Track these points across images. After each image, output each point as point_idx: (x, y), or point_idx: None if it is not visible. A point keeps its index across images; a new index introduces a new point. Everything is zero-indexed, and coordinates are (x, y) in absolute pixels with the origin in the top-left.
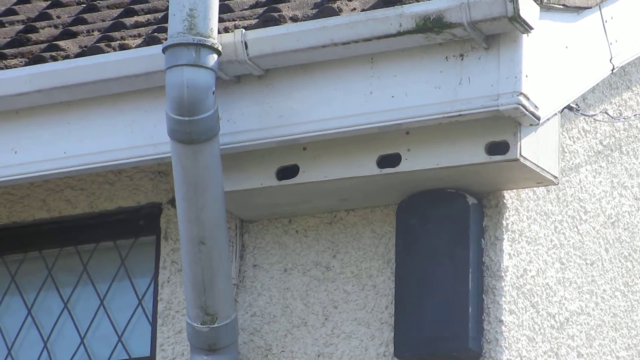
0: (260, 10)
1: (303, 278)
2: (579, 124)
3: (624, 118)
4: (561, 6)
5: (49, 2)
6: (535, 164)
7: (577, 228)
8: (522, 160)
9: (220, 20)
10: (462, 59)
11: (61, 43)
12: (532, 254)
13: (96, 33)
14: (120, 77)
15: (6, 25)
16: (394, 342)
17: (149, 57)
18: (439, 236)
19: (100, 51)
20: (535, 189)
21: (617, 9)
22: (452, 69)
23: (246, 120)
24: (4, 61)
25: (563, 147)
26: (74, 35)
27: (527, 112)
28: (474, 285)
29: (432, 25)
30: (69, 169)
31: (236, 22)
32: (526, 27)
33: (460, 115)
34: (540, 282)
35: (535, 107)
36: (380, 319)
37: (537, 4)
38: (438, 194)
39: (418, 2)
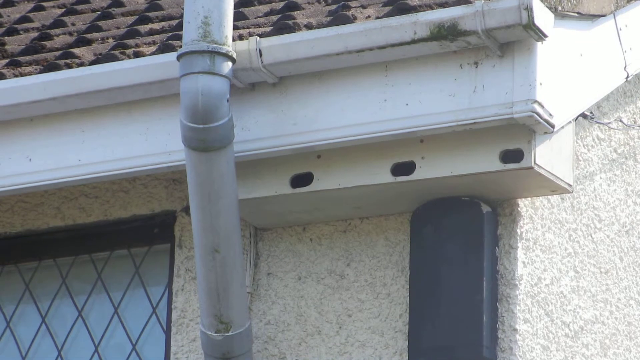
0: (274, 18)
1: (317, 286)
2: (593, 132)
3: (639, 126)
4: (576, 14)
5: (63, 10)
6: (549, 172)
7: (591, 236)
8: (536, 168)
9: (235, 27)
10: (476, 67)
11: (76, 50)
12: (546, 262)
13: (111, 40)
14: (135, 84)
15: (21, 32)
16: (408, 350)
17: (163, 65)
18: (453, 244)
19: (114, 59)
20: (549, 197)
21: (631, 16)
22: (466, 76)
23: (260, 128)
24: (19, 68)
25: (577, 155)
26: (88, 42)
27: (541, 120)
28: (488, 293)
29: (447, 32)
30: (83, 177)
31: (251, 29)
32: (541, 35)
33: (474, 123)
34: (554, 291)
35: (550, 115)
36: (394, 327)
37: (552, 12)
38: (452, 202)
39: (432, 9)
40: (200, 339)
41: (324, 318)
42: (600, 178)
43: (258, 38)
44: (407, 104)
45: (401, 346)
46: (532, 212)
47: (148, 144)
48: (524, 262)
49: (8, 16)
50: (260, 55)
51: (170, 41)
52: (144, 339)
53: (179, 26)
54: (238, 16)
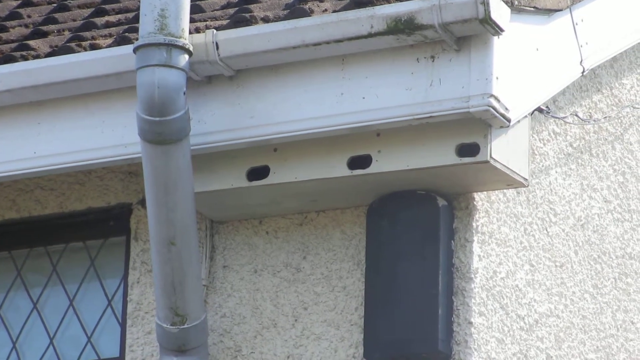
0: (231, 11)
1: (273, 279)
2: (549, 126)
3: (594, 120)
4: (532, 8)
5: (19, 2)
6: (505, 165)
7: (546, 230)
8: (492, 162)
9: (192, 20)
10: (433, 61)
11: (32, 42)
12: (501, 256)
13: (67, 33)
14: (91, 77)
15: None
16: (364, 343)
17: (119, 57)
18: (409, 238)
19: (71, 51)
20: (505, 191)
21: (587, 11)
22: (423, 70)
23: (217, 121)
24: None
25: (533, 149)
26: (44, 34)
27: (497, 114)
28: (444, 287)
29: (404, 26)
30: (39, 169)
31: (207, 22)
32: (497, 29)
33: (431, 117)
34: (509, 284)
35: (506, 109)
36: (350, 320)
37: (508, 6)
38: (408, 196)
39: (389, 3)
40: (155, 332)
41: (279, 311)
42: (556, 172)
43: (215, 31)
44: (363, 98)
45: (357, 339)
46: (487, 205)
47: (104, 136)
48: (479, 256)
49: None
50: (217, 48)
51: (126, 34)
52: (99, 332)
53: (136, 19)
54: (195, 9)
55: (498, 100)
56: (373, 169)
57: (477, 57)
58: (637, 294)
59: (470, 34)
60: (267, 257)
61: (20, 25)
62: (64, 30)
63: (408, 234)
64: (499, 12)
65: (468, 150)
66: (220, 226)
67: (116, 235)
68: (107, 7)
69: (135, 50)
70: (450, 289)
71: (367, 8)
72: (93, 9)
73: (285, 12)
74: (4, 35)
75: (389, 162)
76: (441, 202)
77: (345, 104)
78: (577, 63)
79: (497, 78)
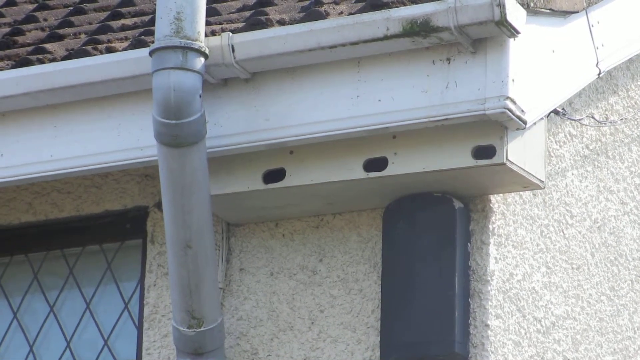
0: (247, 14)
1: (289, 282)
2: (565, 128)
3: (610, 122)
4: (548, 10)
5: (35, 5)
6: (521, 168)
7: (563, 232)
8: (508, 164)
9: (207, 23)
10: (449, 63)
11: (48, 46)
12: (518, 258)
13: (83, 36)
14: (107, 80)
15: None
16: (380, 346)
17: (135, 60)
18: (425, 240)
19: (87, 54)
20: (521, 193)
21: (603, 13)
22: (439, 72)
23: (233, 124)
24: None
25: (549, 151)
26: (60, 38)
27: (513, 116)
28: (460, 289)
29: (419, 29)
30: (55, 172)
31: (223, 25)
32: (513, 32)
33: (446, 119)
34: (526, 287)
35: (522, 111)
36: (367, 323)
37: (524, 8)
38: (425, 198)
39: (405, 5)
40: (172, 335)
41: (296, 314)
42: (572, 174)
43: (230, 34)
44: (379, 100)
45: (373, 342)
46: (504, 208)
47: (120, 139)
48: (495, 258)
49: None
50: (233, 51)
51: (142, 37)
52: (116, 335)
53: (152, 22)
54: (210, 12)
55: (514, 103)
56: (389, 171)
57: (493, 59)
58: None
59: (486, 36)
60: (283, 260)
61: (37, 29)
62: (80, 34)
63: (424, 236)
64: (515, 14)
65: (484, 152)
66: (236, 229)
67: (132, 238)
68: (123, 10)
69: (151, 53)
70: (466, 291)
71: (382, 10)
72: (109, 12)
73: (301, 14)
74: (21, 39)
75: (405, 165)
76: (457, 204)
77: (361, 106)
78: (593, 65)
79: (513, 80)
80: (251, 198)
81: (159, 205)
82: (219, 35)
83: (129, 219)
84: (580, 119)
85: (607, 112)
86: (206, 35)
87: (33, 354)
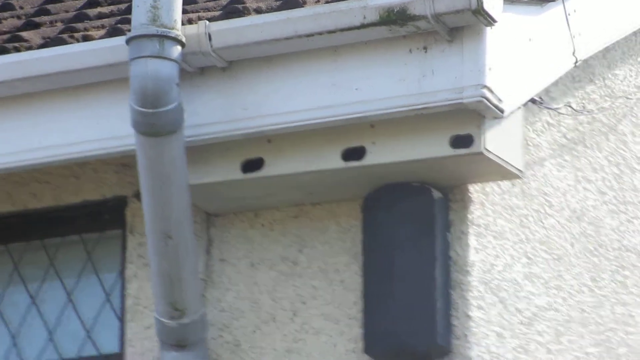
0: (223, 2)
1: (270, 273)
2: (542, 117)
3: (587, 111)
4: None
5: None
6: (499, 157)
7: (542, 222)
8: (486, 153)
9: (184, 11)
10: (425, 52)
11: (24, 34)
12: (498, 249)
13: (59, 24)
14: (84, 68)
15: None
16: (364, 338)
17: (112, 49)
18: (404, 230)
19: (63, 42)
20: (500, 182)
21: (580, 2)
22: (415, 61)
23: (210, 113)
24: None
25: (527, 140)
26: (37, 26)
27: (491, 105)
28: (441, 280)
29: (396, 17)
30: (33, 162)
31: (200, 13)
32: (490, 20)
33: (424, 108)
34: (507, 277)
35: (499, 100)
36: (349, 314)
37: None
38: (403, 188)
39: None
40: (155, 326)
41: (278, 305)
42: (550, 164)
43: (207, 22)
44: (356, 89)
45: (356, 333)
46: (483, 197)
47: (98, 128)
48: (476, 249)
49: None
50: (210, 39)
51: (119, 25)
52: (98, 326)
53: (128, 10)
54: (187, 0)
55: (491, 91)
56: (367, 160)
57: (470, 48)
58: (635, 287)
59: (463, 25)
60: (263, 251)
61: (13, 17)
62: (56, 22)
63: (404, 226)
64: (492, 2)
65: (462, 141)
66: (216, 219)
67: (112, 229)
68: None
69: (127, 41)
70: (447, 282)
71: None
72: (85, 0)
73: (278, 3)
74: None
75: (383, 154)
76: (436, 194)
77: (338, 95)
78: (570, 54)
79: (490, 69)
80: (230, 188)
81: (137, 195)
82: (196, 23)
83: (107, 209)
84: (557, 108)
85: (584, 101)
86: (183, 24)
87: (15, 345)
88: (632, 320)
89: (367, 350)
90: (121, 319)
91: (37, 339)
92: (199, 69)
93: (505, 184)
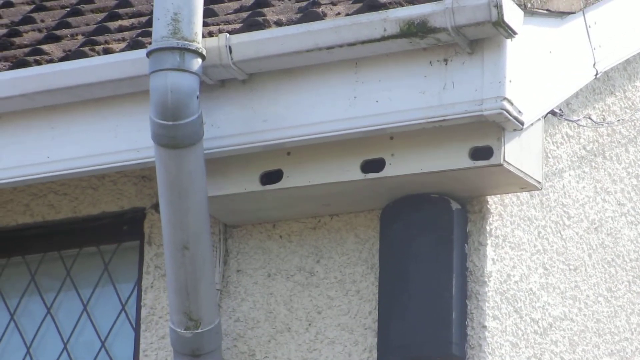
0: (244, 15)
1: (287, 283)
2: (562, 129)
3: (607, 123)
4: (545, 11)
5: (32, 6)
6: (518, 169)
7: (560, 233)
8: (505, 165)
9: (205, 24)
10: (446, 64)
11: (45, 47)
12: (515, 260)
13: (80, 37)
14: (104, 81)
15: None
16: (378, 347)
17: (132, 62)
18: (422, 241)
19: (84, 55)
20: (518, 194)
21: (600, 14)
22: (436, 73)
23: (230, 125)
24: None
25: (546, 152)
26: (57, 39)
27: (510, 117)
28: (458, 290)
29: (417, 29)
30: (52, 174)
31: (220, 26)
32: (510, 32)
33: (444, 120)
34: (523, 288)
35: (519, 112)
36: (364, 324)
37: (521, 9)
38: (422, 199)
39: (402, 6)
40: (169, 336)
41: (293, 315)
42: (569, 175)
43: (228, 35)
44: (377, 101)
45: (370, 343)
46: (501, 209)
47: (117, 140)
48: (493, 259)
49: None
50: (230, 52)
51: (139, 38)
52: (113, 336)
53: (149, 23)
54: (208, 13)
55: (511, 103)
56: (386, 172)
57: (490, 60)
58: None
59: (483, 37)
60: (280, 261)
61: (34, 30)
62: (77, 35)
63: (422, 238)
64: (512, 14)
65: (481, 153)
66: (233, 230)
67: (130, 240)
68: (120, 11)
69: (148, 54)
70: (464, 292)
71: (380, 11)
72: (106, 13)
73: (299, 15)
74: (18, 40)
75: (402, 166)
76: (455, 205)
77: (359, 107)
78: (590, 66)
79: (510, 81)
80: (248, 199)
81: (156, 207)
82: (216, 36)
83: (126, 221)
84: (577, 120)
85: (604, 113)
86: (203, 37)
87: (30, 355)
88: None
89: (381, 359)
90: (136, 329)
91: (52, 349)
92: (220, 81)
93: (524, 195)
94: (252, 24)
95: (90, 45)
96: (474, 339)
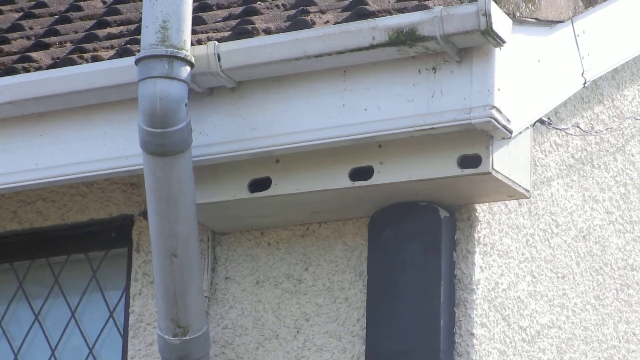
0: (233, 23)
1: (275, 291)
2: (550, 137)
3: (596, 132)
4: (534, 20)
5: (21, 14)
6: (507, 177)
7: (548, 241)
8: (494, 173)
9: (193, 32)
10: (434, 72)
11: (33, 54)
12: (503, 267)
13: (69, 44)
14: (93, 88)
15: None
16: (366, 355)
17: (121, 69)
18: (410, 249)
19: (72, 63)
20: (507, 202)
21: (589, 23)
22: (424, 82)
23: (219, 133)
24: None
25: (535, 160)
26: (46, 46)
27: (499, 126)
28: (446, 298)
29: (405, 38)
30: (41, 181)
31: (209, 34)
32: (499, 41)
33: (432, 128)
34: (511, 295)
35: (508, 120)
36: (352, 332)
37: (510, 17)
38: (410, 207)
39: (391, 15)
40: (157, 343)
41: (281, 322)
42: (558, 183)
43: (216, 43)
44: (365, 109)
45: (359, 350)
46: (489, 217)
47: (106, 148)
48: (481, 267)
49: None
50: (219, 59)
51: (128, 45)
52: (101, 343)
53: (138, 30)
54: (197, 21)
55: (500, 112)
56: (375, 180)
57: (479, 69)
58: (639, 306)
59: (472, 46)
60: (268, 269)
61: (22, 37)
62: (65, 42)
63: (410, 245)
64: (501, 23)
65: (470, 161)
66: (222, 237)
67: (118, 247)
68: (109, 18)
69: (136, 62)
70: (452, 300)
71: (369, 20)
72: (95, 20)
73: (287, 23)
74: (6, 47)
75: (390, 174)
76: (443, 213)
77: (347, 115)
78: (578, 74)
79: (498, 89)
80: (237, 207)
81: (144, 214)
82: (205, 44)
83: (114, 228)
84: (565, 129)
85: (592, 122)
86: (192, 44)
87: None
88: (634, 338)
89: None
90: (124, 336)
91: (40, 356)
92: (208, 89)
93: (512, 204)
94: (241, 32)
95: (78, 52)
96: (462, 346)
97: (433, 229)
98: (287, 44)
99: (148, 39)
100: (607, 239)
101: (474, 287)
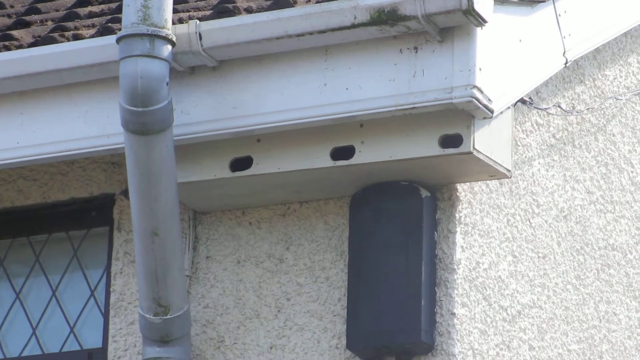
0: (214, 2)
1: (256, 270)
2: (532, 117)
3: (577, 112)
4: (515, 0)
5: None
6: (488, 157)
7: (529, 221)
8: (475, 153)
9: (175, 11)
10: (416, 52)
11: (14, 33)
12: (484, 247)
13: (50, 23)
14: (74, 67)
15: None
16: (347, 334)
17: (102, 48)
18: (392, 229)
19: (53, 41)
20: (488, 182)
21: (570, 2)
22: (406, 61)
23: (200, 112)
24: None
25: (516, 140)
26: (27, 25)
27: (480, 105)
28: (427, 277)
29: (387, 17)
30: (21, 159)
31: (190, 13)
32: (480, 21)
33: (414, 108)
34: (492, 275)
35: (489, 100)
36: (333, 311)
37: None
38: (391, 187)
39: None
40: (138, 322)
41: (262, 302)
42: (539, 163)
43: (198, 22)
44: (347, 89)
45: (339, 330)
46: (470, 197)
47: (87, 126)
48: (462, 247)
49: None
50: (200, 38)
51: (109, 24)
52: (82, 322)
53: (119, 9)
54: (178, 0)
55: (481, 92)
56: (356, 159)
57: (460, 48)
58: (620, 285)
59: (454, 25)
60: (250, 248)
61: (3, 16)
62: (47, 21)
63: (391, 225)
64: (483, 3)
65: (451, 141)
66: (203, 217)
67: (99, 226)
68: None
69: (118, 40)
70: (433, 280)
71: None
72: None
73: (269, 2)
74: None
75: (372, 153)
76: (424, 193)
77: (329, 94)
78: (560, 54)
79: (480, 69)
80: (218, 186)
81: (125, 193)
82: (187, 23)
83: (95, 207)
84: (547, 108)
85: (573, 102)
86: (173, 23)
87: None
88: (615, 318)
89: (350, 346)
90: (105, 315)
91: (21, 335)
92: (189, 68)
93: (493, 184)
94: (222, 11)
95: (60, 31)
96: (442, 326)
97: (414, 208)
98: (268, 23)
99: (129, 17)
100: (588, 219)
101: (455, 266)
